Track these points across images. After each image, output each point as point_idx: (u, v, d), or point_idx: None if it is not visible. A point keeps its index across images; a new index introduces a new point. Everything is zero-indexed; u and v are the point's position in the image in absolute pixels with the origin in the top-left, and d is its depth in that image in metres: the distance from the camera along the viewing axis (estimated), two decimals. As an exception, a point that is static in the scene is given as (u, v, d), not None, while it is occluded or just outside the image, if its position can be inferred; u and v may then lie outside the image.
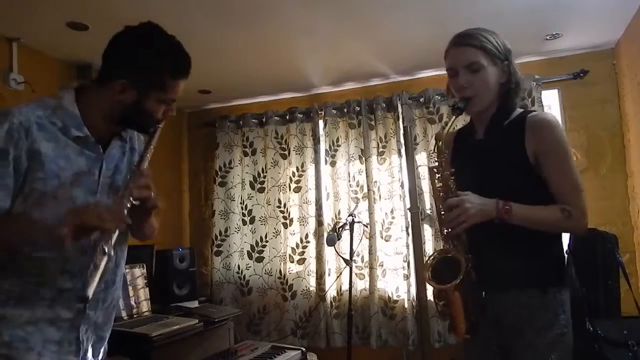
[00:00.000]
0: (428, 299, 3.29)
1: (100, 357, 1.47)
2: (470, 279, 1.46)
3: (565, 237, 1.83)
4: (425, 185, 3.36)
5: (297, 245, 3.67)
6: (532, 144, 1.46)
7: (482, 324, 1.49)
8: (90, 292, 1.13)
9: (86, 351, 1.38)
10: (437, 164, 1.54)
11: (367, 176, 3.49)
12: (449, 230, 1.48)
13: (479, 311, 1.48)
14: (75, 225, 1.14)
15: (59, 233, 1.12)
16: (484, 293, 1.48)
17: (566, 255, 1.59)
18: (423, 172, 3.39)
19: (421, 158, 3.41)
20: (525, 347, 1.43)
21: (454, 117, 1.53)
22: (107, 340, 1.49)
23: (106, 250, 1.16)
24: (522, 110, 1.56)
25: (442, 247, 1.57)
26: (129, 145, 1.46)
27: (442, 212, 1.50)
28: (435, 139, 1.59)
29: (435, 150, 1.57)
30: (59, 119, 1.28)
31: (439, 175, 1.53)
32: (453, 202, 1.43)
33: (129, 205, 1.23)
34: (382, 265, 3.42)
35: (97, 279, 1.15)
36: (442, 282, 1.46)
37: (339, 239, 3.02)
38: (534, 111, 1.53)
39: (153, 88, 1.31)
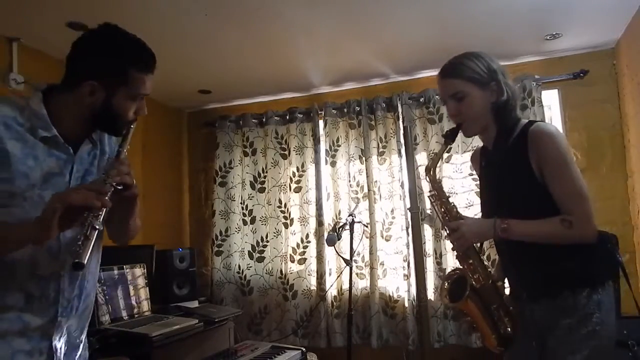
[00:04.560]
0: (428, 298, 3.30)
1: None
2: (497, 291, 1.61)
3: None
4: (425, 185, 3.37)
5: (298, 245, 3.67)
6: (534, 157, 1.51)
7: (521, 325, 1.59)
8: (85, 259, 1.10)
9: None
10: (434, 192, 1.71)
11: (367, 176, 3.49)
12: (458, 251, 1.63)
13: (509, 322, 1.58)
14: (62, 207, 1.10)
15: (46, 220, 1.09)
16: (528, 302, 1.59)
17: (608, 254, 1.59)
18: (423, 172, 3.39)
19: (421, 158, 3.42)
20: (557, 343, 1.50)
21: (444, 146, 1.70)
22: (82, 345, 1.44)
23: (95, 225, 1.14)
24: (525, 122, 1.60)
25: (453, 269, 1.79)
26: (99, 147, 1.43)
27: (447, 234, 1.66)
28: (426, 171, 1.77)
29: (429, 180, 1.74)
30: (27, 120, 1.26)
31: (439, 201, 1.69)
32: (452, 225, 1.60)
33: (111, 189, 1.20)
34: (382, 265, 3.42)
35: (89, 249, 1.11)
36: (458, 298, 1.60)
37: (339, 239, 3.03)
38: (536, 122, 1.59)
39: (120, 84, 1.29)
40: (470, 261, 1.62)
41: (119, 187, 1.23)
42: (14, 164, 1.21)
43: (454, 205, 1.67)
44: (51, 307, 1.29)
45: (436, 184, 1.71)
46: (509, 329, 1.58)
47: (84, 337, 1.44)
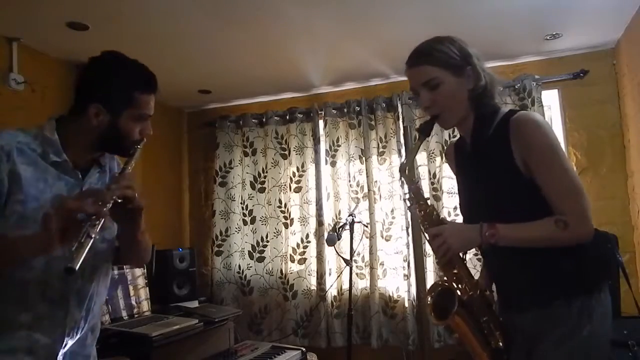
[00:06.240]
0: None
1: None
2: (486, 302, 1.45)
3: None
4: (425, 185, 3.36)
5: (298, 245, 3.67)
6: (517, 148, 1.35)
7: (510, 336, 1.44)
8: (77, 264, 1.10)
9: None
10: (410, 194, 1.53)
11: (367, 176, 3.49)
12: (439, 259, 1.46)
13: (500, 335, 1.43)
14: (56, 211, 1.12)
15: (47, 228, 1.11)
16: (517, 311, 1.44)
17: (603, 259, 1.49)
18: (423, 172, 3.39)
19: (421, 158, 3.41)
20: (544, 355, 1.37)
21: (418, 141, 1.51)
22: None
23: (91, 234, 1.15)
24: (506, 110, 1.44)
25: (436, 281, 1.58)
26: (108, 175, 1.47)
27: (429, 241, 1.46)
28: (400, 171, 1.57)
29: (404, 180, 1.56)
30: (39, 146, 1.31)
31: (416, 204, 1.51)
32: (433, 232, 1.41)
33: (111, 200, 1.22)
34: (382, 265, 3.42)
35: (82, 255, 1.12)
36: (444, 314, 1.43)
37: (339, 239, 3.03)
38: (518, 110, 1.42)
39: (125, 105, 1.34)
40: (455, 270, 1.45)
41: (119, 200, 1.24)
42: (26, 187, 1.26)
43: (433, 208, 1.51)
44: (59, 328, 1.33)
45: (412, 185, 1.53)
46: (501, 343, 1.42)
47: (91, 350, 1.47)
